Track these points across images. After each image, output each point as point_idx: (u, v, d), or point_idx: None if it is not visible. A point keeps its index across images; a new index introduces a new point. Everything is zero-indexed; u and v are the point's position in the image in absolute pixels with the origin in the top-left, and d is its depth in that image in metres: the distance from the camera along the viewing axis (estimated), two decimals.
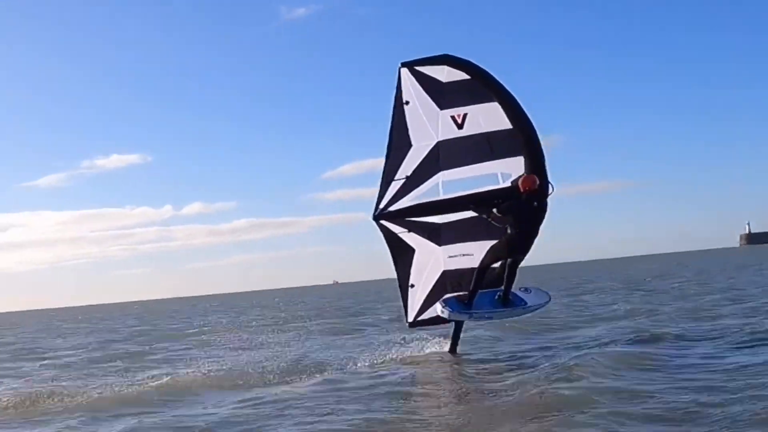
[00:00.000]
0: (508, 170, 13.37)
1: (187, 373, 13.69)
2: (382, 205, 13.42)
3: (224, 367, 13.96)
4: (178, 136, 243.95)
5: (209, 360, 15.29)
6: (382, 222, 13.52)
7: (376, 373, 12.54)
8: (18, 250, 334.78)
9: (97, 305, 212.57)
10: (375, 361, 13.77)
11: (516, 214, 12.80)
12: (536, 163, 13.24)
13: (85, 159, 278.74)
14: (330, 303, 50.73)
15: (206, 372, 13.45)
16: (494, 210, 12.87)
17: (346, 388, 11.24)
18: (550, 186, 13.33)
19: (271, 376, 12.73)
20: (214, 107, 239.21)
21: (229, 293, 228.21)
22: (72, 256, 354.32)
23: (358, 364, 13.55)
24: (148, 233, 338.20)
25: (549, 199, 13.33)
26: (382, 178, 13.38)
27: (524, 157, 13.22)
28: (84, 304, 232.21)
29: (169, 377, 13.14)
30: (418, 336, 15.37)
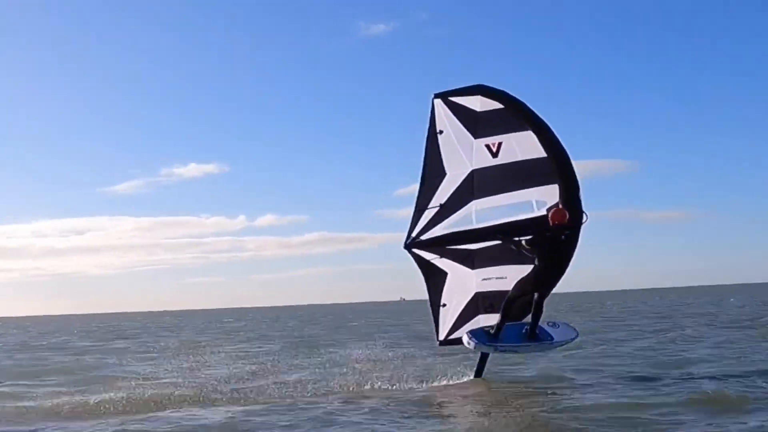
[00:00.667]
0: (542, 198, 13.46)
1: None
2: (413, 234, 13.66)
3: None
4: (255, 148, 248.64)
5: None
6: (414, 250, 13.76)
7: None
8: (95, 253, 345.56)
9: (170, 311, 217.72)
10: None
11: (544, 248, 12.89)
12: (570, 191, 13.31)
13: (164, 167, 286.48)
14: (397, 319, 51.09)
15: None
16: (523, 242, 12.97)
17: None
18: (584, 215, 13.41)
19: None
20: (292, 119, 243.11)
21: (298, 305, 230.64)
22: (146, 262, 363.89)
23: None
24: (221, 243, 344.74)
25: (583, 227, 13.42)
26: (415, 207, 13.62)
27: (559, 185, 13.31)
28: (156, 309, 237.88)
29: None
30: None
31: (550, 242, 12.90)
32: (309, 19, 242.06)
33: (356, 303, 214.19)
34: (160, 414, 11.83)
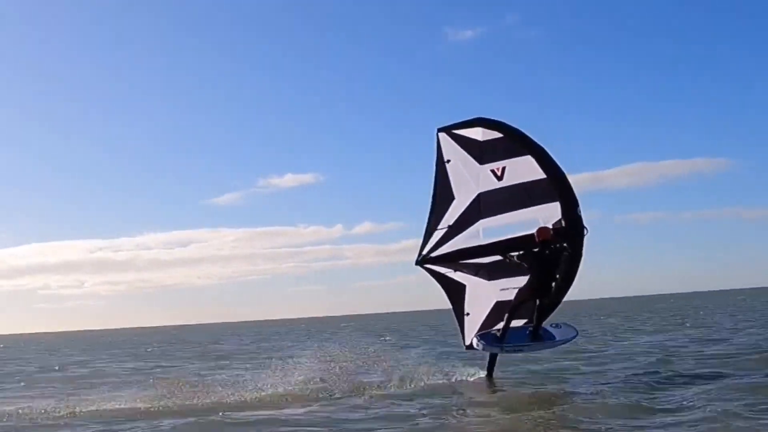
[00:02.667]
0: (546, 215, 14.86)
1: None
2: (424, 252, 15.32)
3: None
4: (350, 157, 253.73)
5: None
6: (426, 266, 15.42)
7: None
8: (198, 264, 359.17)
9: (272, 320, 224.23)
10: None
11: (532, 261, 14.37)
12: (569, 208, 14.70)
13: (261, 178, 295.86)
14: None
15: None
16: (515, 257, 14.47)
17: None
18: (585, 229, 14.76)
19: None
20: (386, 127, 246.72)
21: (396, 312, 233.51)
22: (248, 272, 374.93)
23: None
24: (320, 251, 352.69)
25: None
26: (426, 229, 15.29)
27: (560, 203, 14.71)
28: (260, 318, 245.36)
29: None
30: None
31: (539, 256, 14.34)
32: (396, 27, 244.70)
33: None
34: None
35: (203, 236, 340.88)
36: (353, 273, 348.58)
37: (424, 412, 12.26)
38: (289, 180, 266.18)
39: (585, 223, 14.76)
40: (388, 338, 38.47)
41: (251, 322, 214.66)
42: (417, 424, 11.25)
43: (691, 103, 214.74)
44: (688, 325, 36.73)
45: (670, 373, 15.52)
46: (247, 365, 23.57)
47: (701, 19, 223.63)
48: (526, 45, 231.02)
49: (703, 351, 20.42)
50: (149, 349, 45.63)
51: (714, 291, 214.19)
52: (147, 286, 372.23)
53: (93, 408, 14.27)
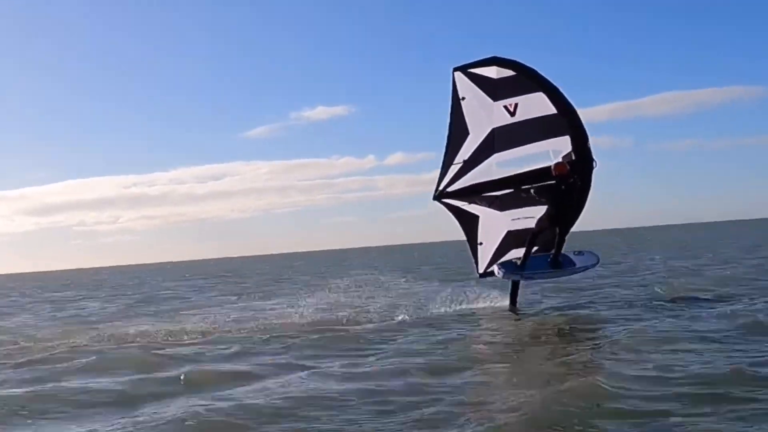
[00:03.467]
0: (557, 148, 15.69)
1: None
2: (441, 187, 16.24)
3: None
4: (381, 88, 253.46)
5: None
6: (444, 200, 16.38)
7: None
8: (232, 197, 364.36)
9: (309, 252, 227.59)
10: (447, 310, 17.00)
11: (549, 195, 15.26)
12: (579, 142, 15.53)
13: (293, 111, 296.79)
14: None
15: None
16: (532, 191, 15.36)
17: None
18: (594, 162, 15.61)
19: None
20: (416, 59, 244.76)
21: (429, 242, 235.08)
22: (281, 204, 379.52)
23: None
24: (352, 183, 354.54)
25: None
26: (442, 164, 16.16)
27: (570, 137, 15.53)
28: (296, 250, 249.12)
29: None
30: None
31: (555, 190, 15.23)
32: None
33: None
34: None
35: (236, 169, 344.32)
36: (386, 203, 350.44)
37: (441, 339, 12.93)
38: (321, 112, 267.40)
39: (594, 156, 15.66)
40: (418, 269, 39.63)
41: (283, 254, 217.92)
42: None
43: (726, 31, 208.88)
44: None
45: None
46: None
47: None
48: None
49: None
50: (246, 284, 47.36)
51: (756, 219, 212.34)
52: (182, 220, 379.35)
53: None
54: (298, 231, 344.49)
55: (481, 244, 16.77)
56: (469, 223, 16.64)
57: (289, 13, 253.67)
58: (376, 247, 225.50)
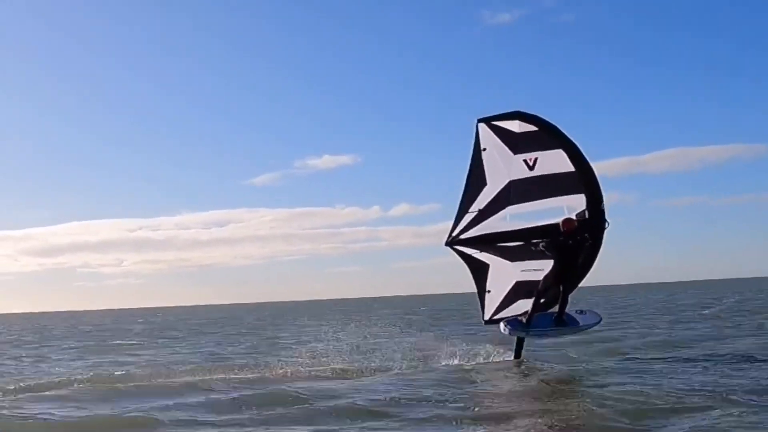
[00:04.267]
0: (572, 205, 16.00)
1: None
2: (454, 234, 16.54)
3: None
4: (387, 138, 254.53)
5: None
6: (455, 247, 16.65)
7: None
8: (236, 245, 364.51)
9: (312, 300, 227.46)
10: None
11: (556, 250, 15.54)
12: (594, 201, 15.84)
13: (298, 159, 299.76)
14: None
15: None
16: (541, 245, 15.66)
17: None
18: (606, 222, 15.90)
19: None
20: (422, 109, 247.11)
21: (434, 294, 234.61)
22: (286, 253, 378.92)
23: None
24: (358, 233, 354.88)
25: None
26: (458, 211, 16.45)
27: (585, 195, 15.86)
28: (300, 299, 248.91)
29: None
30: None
31: (563, 246, 15.50)
32: (432, 10, 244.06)
33: None
34: None
35: (241, 216, 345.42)
36: (390, 254, 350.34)
37: (442, 393, 12.72)
38: (327, 161, 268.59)
39: (607, 217, 15.96)
40: (420, 318, 39.79)
41: (289, 302, 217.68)
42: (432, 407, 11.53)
43: (733, 86, 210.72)
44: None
45: None
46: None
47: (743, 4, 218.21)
48: (564, 28, 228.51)
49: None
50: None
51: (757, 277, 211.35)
52: (186, 266, 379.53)
53: None
54: (303, 279, 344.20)
55: (489, 291, 16.97)
56: (479, 271, 16.87)
57: (296, 60, 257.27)
58: (380, 297, 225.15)
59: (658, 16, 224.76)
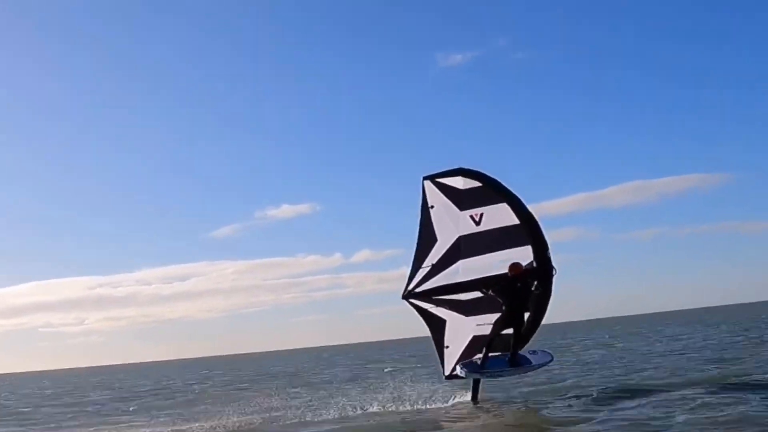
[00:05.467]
0: (519, 257, 16.55)
1: None
2: (410, 287, 17.09)
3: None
4: (345, 186, 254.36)
5: None
6: (411, 300, 17.15)
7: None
8: (199, 298, 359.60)
9: (276, 351, 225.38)
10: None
11: (505, 294, 16.13)
12: (540, 251, 16.43)
13: (258, 209, 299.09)
14: None
15: None
16: (490, 291, 16.20)
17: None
18: (554, 269, 16.48)
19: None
20: (379, 155, 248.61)
21: (399, 339, 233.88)
22: (249, 304, 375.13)
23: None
24: (320, 281, 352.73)
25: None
26: (412, 266, 17.06)
27: (531, 246, 16.44)
28: (264, 350, 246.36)
29: None
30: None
31: (510, 290, 16.10)
32: (385, 55, 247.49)
33: None
34: None
35: (202, 270, 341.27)
36: (354, 301, 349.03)
37: None
38: (286, 210, 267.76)
39: (554, 263, 16.54)
40: (387, 368, 40.01)
41: (255, 354, 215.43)
42: None
43: (685, 119, 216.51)
44: None
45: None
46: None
47: (694, 34, 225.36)
48: (517, 67, 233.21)
49: None
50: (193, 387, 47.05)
51: (722, 306, 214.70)
52: (148, 321, 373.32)
53: None
54: (267, 331, 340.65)
55: (447, 347, 17.41)
56: (437, 326, 17.33)
57: (248, 110, 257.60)
58: (346, 344, 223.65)
59: (611, 54, 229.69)
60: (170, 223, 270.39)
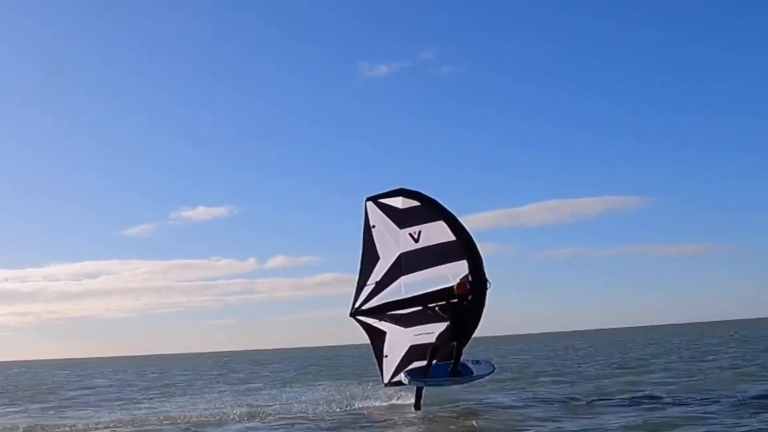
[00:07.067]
0: (456, 272, 17.56)
1: None
2: (356, 305, 17.95)
3: None
4: (263, 191, 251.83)
5: None
6: (358, 317, 18.03)
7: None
8: (108, 297, 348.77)
9: (186, 354, 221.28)
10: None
11: (452, 311, 17.12)
12: (476, 265, 17.48)
13: (173, 210, 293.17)
14: None
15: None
16: (436, 308, 17.19)
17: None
18: (488, 282, 17.56)
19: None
20: (298, 162, 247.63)
21: (315, 347, 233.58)
22: (159, 305, 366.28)
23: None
24: (234, 285, 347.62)
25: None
26: (357, 284, 17.92)
27: (467, 261, 17.48)
28: (174, 352, 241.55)
29: None
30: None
31: (457, 307, 17.08)
32: (309, 63, 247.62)
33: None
34: None
35: (113, 268, 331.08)
36: (267, 306, 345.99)
37: None
38: (202, 212, 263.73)
39: (488, 276, 17.64)
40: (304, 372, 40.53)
41: (164, 355, 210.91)
42: None
43: (600, 142, 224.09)
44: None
45: None
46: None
47: (609, 59, 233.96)
48: (442, 81, 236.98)
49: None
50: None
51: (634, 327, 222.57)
52: (55, 318, 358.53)
53: None
54: (178, 332, 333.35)
55: (386, 356, 18.36)
56: (377, 338, 18.25)
57: (169, 111, 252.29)
58: (258, 350, 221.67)
59: (536, 71, 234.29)
60: (82, 220, 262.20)
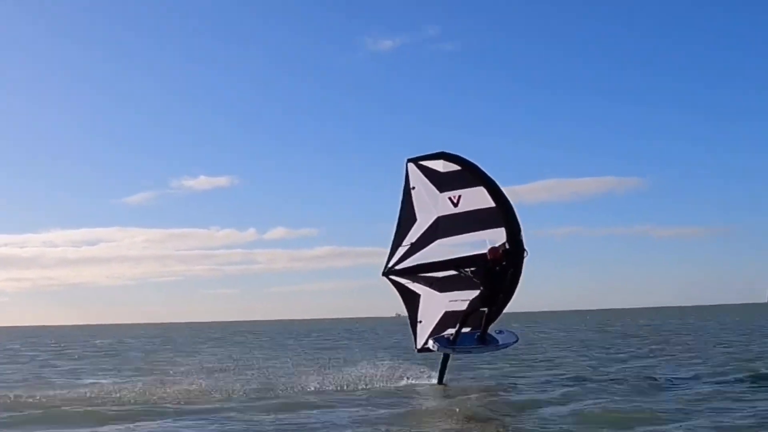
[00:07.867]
0: (493, 238, 17.40)
1: None
2: (390, 265, 17.82)
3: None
4: (265, 161, 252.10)
5: None
6: (391, 277, 17.89)
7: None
8: (106, 264, 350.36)
9: (183, 323, 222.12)
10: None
11: (484, 276, 16.96)
12: (513, 233, 17.29)
13: (174, 179, 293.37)
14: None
15: None
16: (468, 272, 17.03)
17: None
18: (525, 252, 17.39)
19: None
20: (301, 134, 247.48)
21: (310, 319, 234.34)
22: (158, 274, 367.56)
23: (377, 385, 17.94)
24: (233, 255, 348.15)
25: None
26: (392, 244, 17.79)
27: (505, 228, 17.31)
28: (170, 321, 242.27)
29: None
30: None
31: (489, 272, 16.93)
32: (315, 35, 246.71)
33: (366, 318, 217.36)
34: None
35: (113, 235, 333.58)
36: (266, 278, 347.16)
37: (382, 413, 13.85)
38: (203, 182, 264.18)
39: (525, 246, 17.48)
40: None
41: (162, 324, 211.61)
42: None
43: (601, 124, 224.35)
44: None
45: None
46: None
47: (612, 42, 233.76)
48: (444, 58, 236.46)
49: None
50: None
51: (629, 308, 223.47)
52: (53, 284, 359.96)
53: None
54: (176, 301, 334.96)
55: (420, 322, 18.24)
56: (411, 301, 18.13)
57: (174, 77, 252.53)
58: (258, 320, 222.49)
59: (543, 44, 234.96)
60: (82, 186, 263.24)
